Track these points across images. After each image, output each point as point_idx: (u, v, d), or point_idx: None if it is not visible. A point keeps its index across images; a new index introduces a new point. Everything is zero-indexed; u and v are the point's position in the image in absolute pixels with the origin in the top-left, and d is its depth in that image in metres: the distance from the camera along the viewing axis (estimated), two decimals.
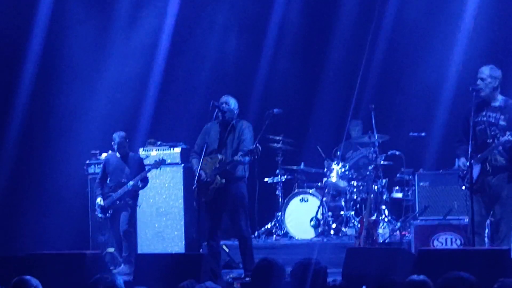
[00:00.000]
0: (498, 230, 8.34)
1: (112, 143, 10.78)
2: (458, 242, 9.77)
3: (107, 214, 10.69)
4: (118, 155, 10.83)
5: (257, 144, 9.04)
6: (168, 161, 11.52)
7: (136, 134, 11.64)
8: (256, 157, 9.10)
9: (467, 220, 8.82)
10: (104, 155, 11.42)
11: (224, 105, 9.30)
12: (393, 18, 11.87)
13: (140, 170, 10.76)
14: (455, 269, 4.92)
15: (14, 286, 5.32)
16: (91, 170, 11.76)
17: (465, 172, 8.37)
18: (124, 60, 12.41)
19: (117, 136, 10.75)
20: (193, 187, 9.06)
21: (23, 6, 11.89)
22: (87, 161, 11.83)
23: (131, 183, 10.60)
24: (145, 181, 10.81)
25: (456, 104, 10.79)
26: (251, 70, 12.50)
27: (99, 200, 10.75)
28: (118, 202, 10.65)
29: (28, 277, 5.54)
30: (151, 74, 12.31)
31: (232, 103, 9.37)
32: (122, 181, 10.66)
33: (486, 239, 8.48)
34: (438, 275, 4.88)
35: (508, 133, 8.10)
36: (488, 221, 8.56)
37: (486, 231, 8.54)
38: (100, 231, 11.48)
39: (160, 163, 10.83)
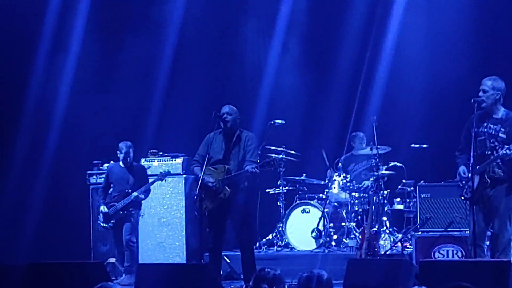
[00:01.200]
0: (497, 242, 8.34)
1: (118, 152, 10.77)
2: (460, 254, 9.77)
3: (110, 224, 10.69)
4: (122, 164, 10.83)
5: (274, 156, 9.01)
6: (170, 171, 11.53)
7: (138, 144, 11.64)
8: (273, 169, 9.10)
9: (468, 232, 8.83)
10: (106, 165, 11.42)
11: (226, 115, 9.30)
12: (395, 30, 11.91)
13: (144, 180, 10.77)
14: (456, 281, 4.92)
15: None
16: (92, 180, 11.76)
17: (463, 182, 8.38)
18: (127, 71, 12.43)
19: (124, 145, 10.75)
20: (195, 197, 9.05)
21: (29, 17, 11.92)
22: (89, 171, 11.83)
23: (134, 194, 10.61)
24: (147, 192, 10.82)
25: (458, 116, 10.75)
26: (254, 81, 12.53)
27: (102, 208, 10.74)
28: (121, 212, 10.65)
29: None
30: (153, 85, 12.34)
31: (234, 113, 9.37)
32: (127, 191, 10.66)
33: (486, 251, 8.48)
34: (439, 286, 4.89)
35: (506, 146, 8.11)
36: (488, 233, 8.56)
37: (487, 243, 8.53)
38: (102, 241, 11.48)
39: (165, 175, 10.84)
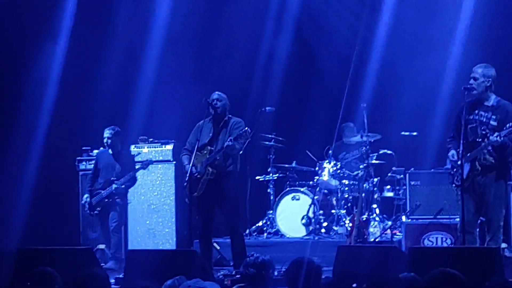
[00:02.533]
0: (488, 229, 8.38)
1: (104, 139, 10.77)
2: (449, 241, 9.80)
3: (95, 211, 10.68)
4: (110, 151, 10.81)
5: (246, 128, 9.09)
6: (160, 158, 11.52)
7: (128, 131, 11.62)
8: (246, 140, 9.13)
9: (458, 219, 8.86)
10: (96, 151, 11.39)
11: (215, 101, 9.34)
12: (385, 17, 11.88)
13: (130, 168, 10.74)
14: (445, 267, 4.92)
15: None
16: (82, 166, 11.74)
17: (455, 169, 8.40)
18: (117, 57, 12.38)
19: (106, 130, 10.73)
20: (184, 184, 9.08)
21: (21, 2, 11.87)
22: (78, 158, 11.80)
23: (114, 185, 10.57)
24: (133, 180, 10.78)
25: (448, 104, 10.81)
26: (244, 68, 12.49)
27: (85, 196, 10.76)
28: (106, 200, 10.63)
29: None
30: (143, 71, 12.29)
31: (223, 99, 9.41)
32: (112, 179, 10.64)
33: (477, 238, 8.50)
34: (428, 273, 4.90)
35: (496, 133, 8.12)
36: (478, 220, 8.58)
37: (477, 230, 8.56)
38: (91, 227, 11.46)
39: (148, 164, 10.81)
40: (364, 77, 11.96)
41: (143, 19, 12.44)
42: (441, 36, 11.73)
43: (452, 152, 8.40)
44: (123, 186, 10.66)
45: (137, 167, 10.81)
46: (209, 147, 9.29)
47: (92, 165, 11.09)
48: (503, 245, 8.76)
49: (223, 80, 11.71)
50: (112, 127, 10.80)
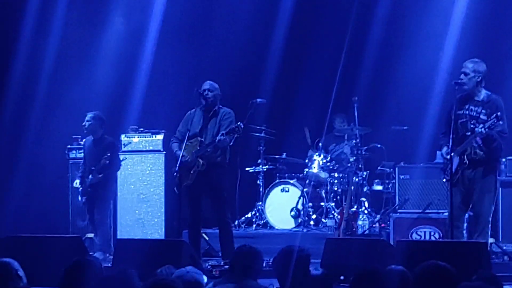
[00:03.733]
0: (476, 224, 8.42)
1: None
2: (437, 235, 9.84)
3: (83, 199, 10.64)
4: (92, 138, 10.71)
5: (239, 123, 9.10)
6: (150, 148, 11.51)
7: (118, 120, 11.61)
8: (238, 135, 9.15)
9: (446, 213, 8.89)
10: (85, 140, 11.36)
11: (206, 91, 9.34)
12: (376, 10, 11.89)
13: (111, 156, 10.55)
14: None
15: None
16: (72, 154, 11.70)
17: (446, 164, 8.44)
18: (109, 46, 12.36)
19: (88, 115, 10.60)
20: (174, 174, 9.08)
21: None
22: (68, 146, 11.77)
23: (90, 176, 10.43)
24: (115, 165, 10.64)
25: (439, 98, 10.83)
26: (235, 59, 12.48)
27: (75, 182, 10.74)
28: (89, 189, 10.57)
29: (9, 259, 5.47)
30: (135, 61, 12.28)
31: (214, 89, 9.41)
32: (92, 168, 10.54)
33: (464, 232, 8.54)
34: (416, 266, 4.91)
35: (481, 125, 8.16)
36: (466, 215, 8.62)
37: (465, 224, 8.60)
38: (81, 216, 11.42)
39: (115, 151, 10.66)
40: (355, 70, 11.97)
41: (137, 9, 12.43)
42: (434, 30, 11.74)
43: (445, 149, 8.43)
44: (100, 175, 10.45)
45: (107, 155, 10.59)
46: (199, 138, 9.30)
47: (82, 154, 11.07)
48: (491, 240, 8.79)
49: (215, 71, 11.71)
50: (94, 112, 10.68)
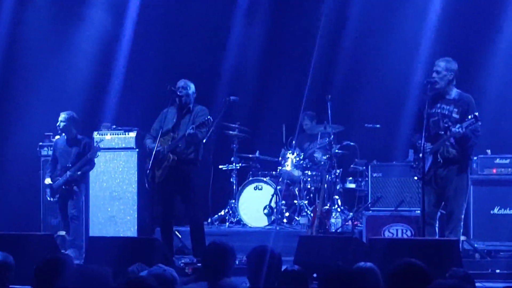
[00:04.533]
0: (448, 222, 8.47)
1: (58, 122, 10.67)
2: (409, 233, 9.88)
3: (55, 198, 10.60)
4: (65, 137, 10.71)
5: (208, 117, 9.09)
6: (123, 145, 11.46)
7: (91, 117, 11.55)
8: (208, 129, 9.14)
9: (419, 211, 8.94)
10: (57, 137, 11.30)
11: (181, 89, 9.31)
12: (350, 8, 11.92)
13: (86, 153, 10.60)
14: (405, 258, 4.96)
15: None
16: (44, 152, 11.62)
17: (416, 163, 8.47)
18: (82, 43, 12.30)
19: (62, 115, 10.61)
20: (147, 170, 9.04)
21: None
22: (40, 143, 11.70)
23: (68, 173, 10.49)
24: (89, 164, 10.67)
25: (411, 97, 10.87)
26: (208, 57, 12.47)
27: (46, 180, 10.69)
28: (63, 187, 10.55)
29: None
30: (108, 58, 12.23)
31: (189, 87, 9.38)
32: (68, 165, 10.54)
33: (436, 230, 8.59)
34: (388, 264, 4.93)
35: (458, 125, 8.20)
36: (438, 213, 8.67)
37: (437, 222, 8.64)
38: (52, 214, 11.36)
39: (96, 151, 10.66)
40: (328, 69, 12.00)
41: (112, 7, 12.37)
42: (407, 29, 11.78)
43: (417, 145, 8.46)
44: (78, 173, 10.54)
45: (88, 154, 10.64)
46: (171, 134, 9.28)
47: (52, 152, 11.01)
48: (462, 237, 8.85)
49: (189, 69, 11.67)
50: (68, 112, 10.67)
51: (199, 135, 9.16)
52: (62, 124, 10.59)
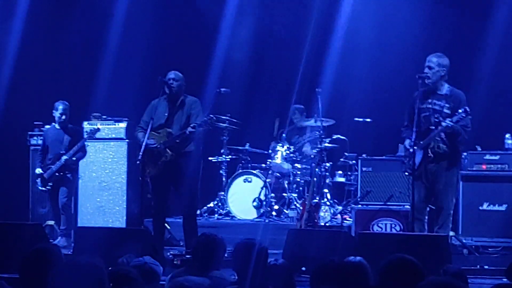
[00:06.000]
0: (437, 217, 8.49)
1: (54, 111, 10.65)
2: (398, 228, 9.89)
3: (47, 186, 10.59)
4: (57, 126, 10.71)
5: (210, 115, 9.06)
6: (113, 136, 11.43)
7: (81, 107, 11.51)
8: (210, 128, 9.12)
9: (408, 206, 8.95)
10: (47, 126, 11.27)
11: (171, 81, 9.26)
12: (341, 2, 11.92)
13: (79, 140, 10.64)
14: (394, 253, 4.97)
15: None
16: (33, 141, 11.60)
17: (407, 158, 8.48)
18: (71, 32, 12.26)
19: (60, 104, 10.63)
20: (137, 162, 9.00)
21: None
22: (29, 132, 11.67)
23: (64, 157, 10.48)
24: (82, 151, 10.68)
25: (401, 91, 10.85)
26: (199, 48, 12.45)
27: (37, 170, 10.67)
28: (57, 174, 10.54)
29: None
30: (98, 48, 12.19)
31: (179, 79, 9.33)
32: (61, 152, 10.55)
33: (425, 225, 8.60)
34: (377, 258, 4.94)
35: (448, 119, 8.22)
36: (428, 208, 8.68)
37: (426, 217, 8.66)
38: (41, 203, 11.34)
39: (94, 132, 10.69)
40: (319, 62, 12.00)
41: None
42: (399, 23, 11.80)
43: (409, 142, 8.46)
44: (74, 158, 10.57)
45: (85, 136, 10.70)
46: (166, 129, 9.19)
47: (41, 141, 10.99)
48: (451, 233, 8.87)
49: (179, 59, 11.66)
50: (64, 102, 10.68)
51: (198, 132, 9.09)
52: (64, 117, 10.62)
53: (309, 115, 12.08)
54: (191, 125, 9.01)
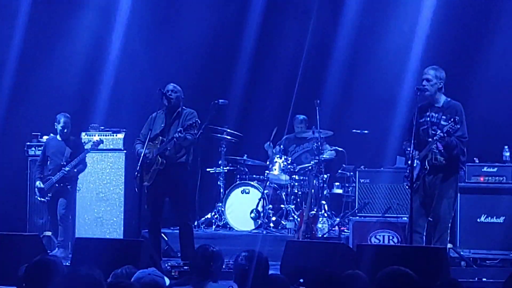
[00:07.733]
0: (435, 229, 8.48)
1: (56, 124, 10.68)
2: (395, 240, 9.90)
3: (47, 198, 10.59)
4: (59, 138, 10.73)
5: (196, 119, 9.10)
6: (111, 146, 11.44)
7: (79, 118, 11.51)
8: (197, 131, 9.15)
9: (405, 218, 8.95)
10: (45, 137, 11.27)
11: (170, 92, 9.32)
12: (340, 13, 11.94)
13: (80, 152, 10.68)
14: (392, 265, 4.97)
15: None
16: (31, 152, 11.59)
17: (409, 172, 8.48)
18: (71, 44, 12.27)
19: (62, 116, 10.67)
20: (136, 173, 9.01)
21: None
22: (28, 143, 11.66)
23: (66, 168, 10.51)
24: (82, 163, 10.70)
25: (399, 103, 10.92)
26: (198, 60, 12.46)
27: (38, 183, 10.67)
28: (57, 185, 10.55)
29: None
30: (98, 60, 12.20)
31: (178, 91, 9.41)
32: (62, 163, 10.57)
33: (424, 238, 8.60)
34: (376, 270, 4.93)
35: (439, 131, 8.25)
36: (427, 220, 8.67)
37: (425, 229, 8.65)
38: (38, 214, 11.33)
39: (98, 144, 10.73)
40: (317, 73, 12.02)
41: (103, 8, 12.34)
42: (397, 35, 11.82)
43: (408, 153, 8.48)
44: (75, 170, 10.60)
45: (86, 147, 10.73)
46: (160, 137, 9.28)
47: (40, 152, 10.98)
48: (449, 245, 8.87)
49: (178, 71, 11.68)
50: (66, 114, 10.70)
51: (188, 137, 9.15)
52: (67, 130, 10.64)
53: (307, 126, 12.08)
54: (178, 130, 9.04)
